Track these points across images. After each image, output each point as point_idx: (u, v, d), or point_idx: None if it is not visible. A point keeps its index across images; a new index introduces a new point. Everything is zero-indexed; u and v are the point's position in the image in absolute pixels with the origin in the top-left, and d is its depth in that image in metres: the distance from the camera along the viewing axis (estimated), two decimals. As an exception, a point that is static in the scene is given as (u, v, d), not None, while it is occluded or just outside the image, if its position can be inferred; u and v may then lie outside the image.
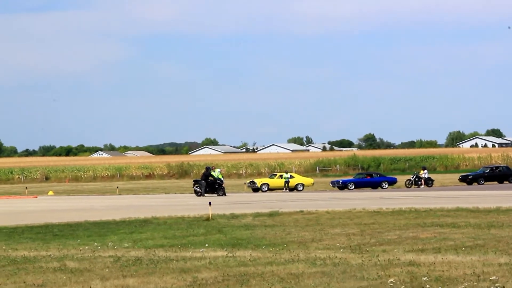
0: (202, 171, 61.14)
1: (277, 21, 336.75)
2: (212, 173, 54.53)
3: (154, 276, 15.83)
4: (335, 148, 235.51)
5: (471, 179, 67.85)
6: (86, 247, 21.63)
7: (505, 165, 76.88)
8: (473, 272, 15.13)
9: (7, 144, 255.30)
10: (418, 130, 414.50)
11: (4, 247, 22.08)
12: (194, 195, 54.07)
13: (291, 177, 64.64)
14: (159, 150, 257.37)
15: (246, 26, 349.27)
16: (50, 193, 68.89)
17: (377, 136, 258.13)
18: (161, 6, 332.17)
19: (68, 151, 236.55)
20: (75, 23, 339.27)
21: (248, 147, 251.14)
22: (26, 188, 76.24)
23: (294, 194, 58.02)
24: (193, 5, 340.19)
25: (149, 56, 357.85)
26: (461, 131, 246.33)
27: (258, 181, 64.56)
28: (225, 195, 52.84)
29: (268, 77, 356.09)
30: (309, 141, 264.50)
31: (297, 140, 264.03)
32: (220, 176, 54.69)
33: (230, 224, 27.87)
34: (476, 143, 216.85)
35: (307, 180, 66.44)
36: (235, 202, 43.63)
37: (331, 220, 28.56)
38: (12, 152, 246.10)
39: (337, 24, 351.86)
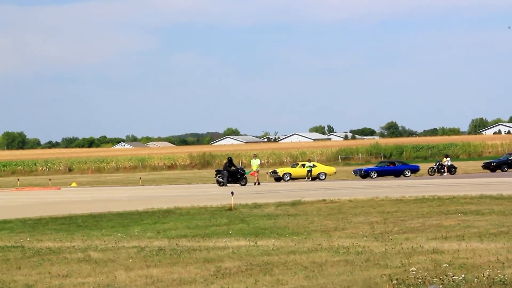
0: (224, 161, 61.25)
1: (297, 9, 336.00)
2: (253, 160, 56.10)
3: (178, 266, 15.88)
4: (357, 136, 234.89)
5: (494, 166, 67.46)
6: (110, 238, 21.73)
7: (528, 152, 76.39)
8: (498, 259, 15.06)
9: (30, 136, 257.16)
10: (441, 117, 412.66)
11: (28, 239, 22.23)
12: (216, 185, 54.14)
13: (314, 166, 64.58)
14: (181, 140, 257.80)
15: (267, 15, 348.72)
16: (74, 184, 69.24)
17: (399, 124, 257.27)
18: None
19: (90, 143, 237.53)
20: (96, 14, 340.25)
21: (269, 137, 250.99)
22: (50, 179, 76.67)
23: (316, 183, 57.96)
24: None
25: (170, 46, 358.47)
26: (484, 118, 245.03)
27: (280, 171, 64.54)
28: (259, 184, 53.24)
29: (290, 66, 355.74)
30: (331, 130, 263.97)
31: (319, 129, 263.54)
32: (257, 167, 55.37)
33: (253, 214, 27.89)
34: (499, 130, 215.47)
35: (329, 169, 66.32)
36: (257, 192, 43.65)
37: (353, 208, 28.52)
38: (35, 144, 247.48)
39: (358, 11, 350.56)
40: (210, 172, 79.72)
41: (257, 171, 55.57)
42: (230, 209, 29.63)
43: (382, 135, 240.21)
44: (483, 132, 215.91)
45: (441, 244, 17.61)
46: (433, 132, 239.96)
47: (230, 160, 54.61)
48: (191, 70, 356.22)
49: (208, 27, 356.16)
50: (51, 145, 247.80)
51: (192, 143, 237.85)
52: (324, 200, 32.14)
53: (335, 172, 66.16)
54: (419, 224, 22.64)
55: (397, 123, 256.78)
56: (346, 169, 79.77)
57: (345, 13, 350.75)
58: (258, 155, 61.42)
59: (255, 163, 55.80)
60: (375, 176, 63.49)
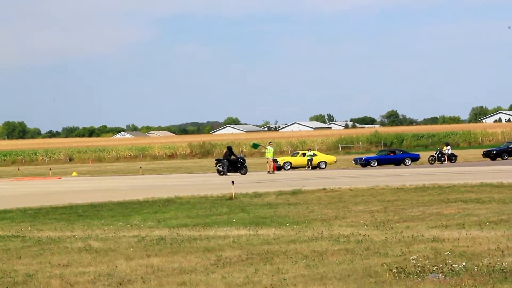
0: (224, 150, 61.25)
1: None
2: (269, 147, 56.93)
3: (178, 255, 15.89)
4: (358, 125, 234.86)
5: (494, 154, 67.47)
6: (111, 227, 21.76)
7: (529, 140, 76.35)
8: (498, 247, 15.07)
9: (30, 125, 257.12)
10: (441, 106, 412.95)
11: (29, 228, 22.26)
12: (216, 174, 54.15)
13: (314, 155, 64.62)
14: (181, 130, 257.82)
15: (267, 4, 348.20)
16: (74, 174, 69.25)
17: (399, 113, 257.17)
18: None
19: (91, 132, 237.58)
20: (97, 4, 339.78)
21: (270, 126, 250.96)
22: (50, 169, 76.71)
23: (316, 172, 57.98)
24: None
25: (170, 36, 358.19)
26: (484, 106, 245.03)
27: (281, 160, 64.57)
28: (273, 173, 53.41)
29: (290, 55, 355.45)
30: (331, 119, 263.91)
31: (319, 118, 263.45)
32: (271, 154, 55.97)
33: (253, 203, 27.91)
34: (499, 118, 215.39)
35: (330, 158, 66.35)
36: (258, 181, 43.66)
37: (354, 197, 28.54)
38: (35, 134, 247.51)
39: (358, 0, 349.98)
40: (210, 162, 79.74)
41: (272, 159, 56.32)
42: (230, 198, 29.65)
43: (382, 124, 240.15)
44: (484, 120, 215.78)
45: (441, 233, 17.62)
46: (434, 120, 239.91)
47: (230, 149, 54.61)
48: (191, 59, 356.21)
49: (208, 17, 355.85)
50: (51, 134, 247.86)
51: (192, 133, 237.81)
52: (324, 189, 32.15)
53: (336, 161, 66.18)
54: (420, 212, 22.65)
55: (397, 111, 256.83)
56: (347, 158, 79.78)
57: (345, 2, 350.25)
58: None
59: (271, 150, 56.54)
60: (376, 164, 63.51)
